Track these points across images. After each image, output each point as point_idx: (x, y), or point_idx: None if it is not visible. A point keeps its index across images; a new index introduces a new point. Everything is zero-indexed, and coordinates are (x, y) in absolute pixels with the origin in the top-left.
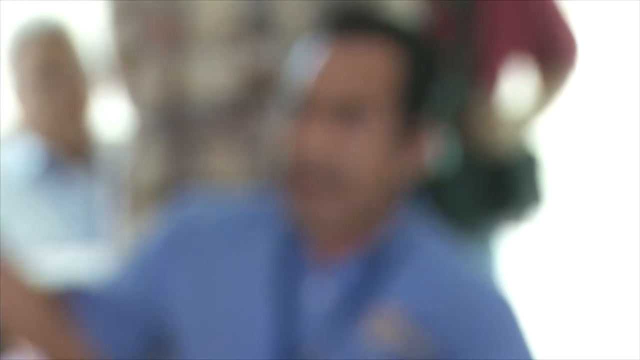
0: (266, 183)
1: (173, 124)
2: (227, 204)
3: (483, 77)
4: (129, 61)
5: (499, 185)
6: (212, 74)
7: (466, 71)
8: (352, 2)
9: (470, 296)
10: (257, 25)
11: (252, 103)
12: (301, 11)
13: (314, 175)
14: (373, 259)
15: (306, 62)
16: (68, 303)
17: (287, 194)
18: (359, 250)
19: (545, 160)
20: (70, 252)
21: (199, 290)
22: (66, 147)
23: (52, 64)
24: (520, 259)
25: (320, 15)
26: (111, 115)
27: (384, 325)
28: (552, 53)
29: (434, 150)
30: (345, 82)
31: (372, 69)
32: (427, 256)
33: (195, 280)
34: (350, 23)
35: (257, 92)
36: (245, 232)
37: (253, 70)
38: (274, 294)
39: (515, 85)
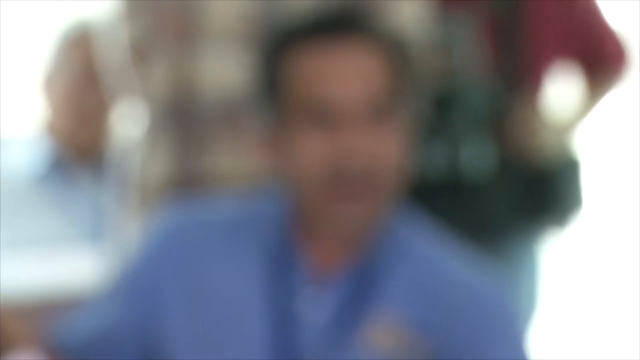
0: (263, 184)
1: (182, 121)
2: (218, 210)
3: (526, 81)
4: (139, 57)
5: (540, 191)
6: (221, 72)
7: (508, 75)
8: (329, 6)
9: (464, 298)
10: (268, 24)
11: None
12: (310, 9)
13: (360, 181)
14: (366, 266)
15: (305, 68)
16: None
17: (322, 201)
18: (353, 257)
19: (588, 165)
20: (72, 253)
21: (191, 302)
22: (77, 149)
23: (93, 68)
24: (563, 264)
25: (299, 20)
26: (122, 114)
27: (381, 333)
28: (599, 60)
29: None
30: (369, 83)
31: (378, 67)
32: (419, 259)
33: (187, 291)
34: (332, 25)
35: None
36: (237, 241)
37: None
38: (270, 305)
39: (560, 90)
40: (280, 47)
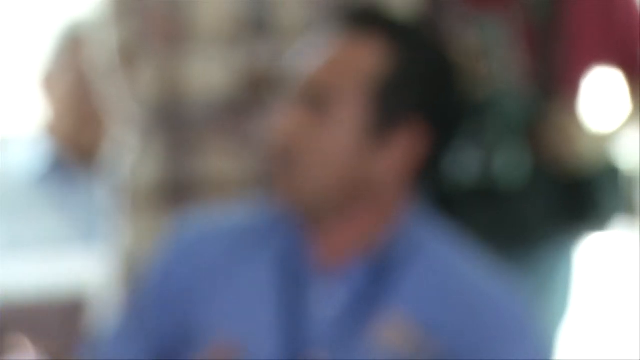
0: (265, 185)
1: (171, 123)
2: (226, 219)
3: (562, 87)
4: (127, 59)
5: (577, 198)
6: (209, 74)
7: (544, 80)
8: (358, 1)
9: (476, 300)
10: (255, 26)
11: (249, 103)
12: (299, 11)
13: (278, 159)
14: (379, 263)
15: (305, 53)
16: None
17: (270, 178)
18: (365, 254)
19: (630, 171)
20: (71, 253)
21: (210, 307)
22: (76, 149)
23: (93, 68)
24: (601, 268)
25: (326, 13)
26: (113, 116)
27: (391, 331)
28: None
29: (423, 152)
30: (319, 73)
31: (350, 62)
32: (433, 258)
33: (206, 294)
34: (349, 18)
35: (254, 92)
36: (249, 244)
37: (250, 70)
38: (282, 301)
39: (599, 96)
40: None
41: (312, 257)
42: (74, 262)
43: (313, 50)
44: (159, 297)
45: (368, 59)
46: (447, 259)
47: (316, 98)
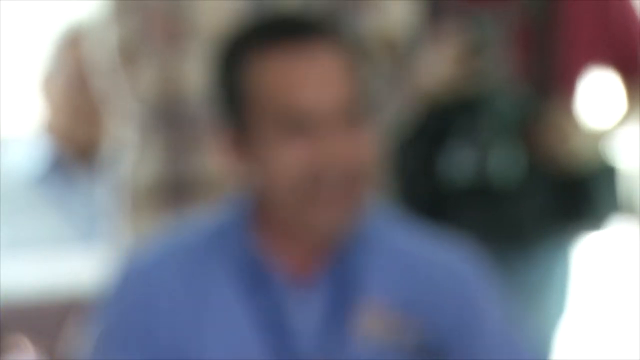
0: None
1: (171, 122)
2: (177, 239)
3: (558, 86)
4: (127, 58)
5: (572, 197)
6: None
7: (540, 79)
8: (288, 10)
9: (438, 275)
10: None
11: None
12: (300, 12)
13: (340, 186)
14: (343, 261)
15: (271, 75)
16: None
17: (301, 208)
18: (328, 257)
19: (626, 170)
20: (71, 253)
21: (187, 337)
22: (75, 148)
23: (86, 66)
24: (598, 267)
25: (246, 25)
26: (113, 115)
27: (372, 321)
28: (635, 66)
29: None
30: (339, 88)
31: (343, 70)
32: (391, 246)
33: (178, 330)
34: (292, 30)
35: None
36: (207, 266)
37: None
38: (259, 321)
39: (595, 95)
40: (240, 53)
41: (278, 271)
42: (74, 262)
43: (299, 72)
44: (132, 341)
45: (345, 63)
46: (402, 243)
47: (354, 113)
